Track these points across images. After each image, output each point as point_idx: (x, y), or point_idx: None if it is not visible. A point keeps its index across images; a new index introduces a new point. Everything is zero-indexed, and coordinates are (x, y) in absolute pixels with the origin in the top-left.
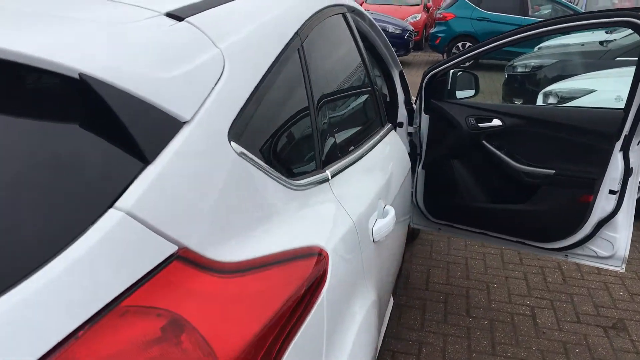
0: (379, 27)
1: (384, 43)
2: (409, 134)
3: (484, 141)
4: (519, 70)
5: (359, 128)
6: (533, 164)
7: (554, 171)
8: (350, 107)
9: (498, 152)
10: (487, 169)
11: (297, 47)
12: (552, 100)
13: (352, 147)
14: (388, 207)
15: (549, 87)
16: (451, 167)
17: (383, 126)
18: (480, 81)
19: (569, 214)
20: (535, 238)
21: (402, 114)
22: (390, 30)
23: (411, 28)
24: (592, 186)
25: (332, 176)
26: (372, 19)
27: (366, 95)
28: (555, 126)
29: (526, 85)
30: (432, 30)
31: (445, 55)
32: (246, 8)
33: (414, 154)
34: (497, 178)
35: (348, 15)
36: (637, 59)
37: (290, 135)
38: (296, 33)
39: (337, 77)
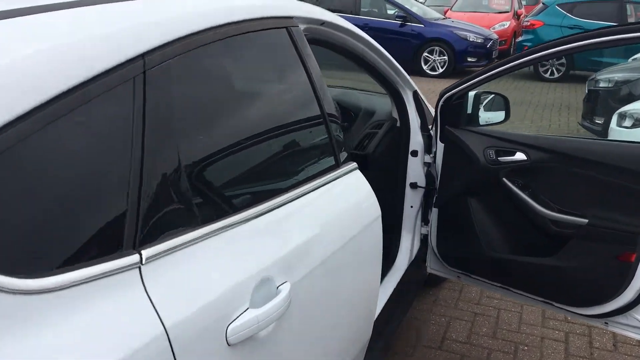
0: (373, 43)
1: (385, 60)
2: (426, 164)
3: (504, 178)
4: (601, 85)
5: (264, 178)
6: (564, 209)
7: (586, 220)
8: (257, 148)
9: (520, 193)
10: (508, 212)
11: (129, 77)
12: (627, 123)
13: (239, 206)
14: (284, 285)
15: (627, 106)
16: (466, 207)
17: (338, 167)
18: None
19: (607, 275)
20: (564, 300)
21: (417, 141)
22: (470, 39)
23: (495, 37)
24: (636, 243)
25: (153, 257)
26: (361, 34)
27: (305, 132)
28: (592, 165)
29: (608, 103)
30: (518, 39)
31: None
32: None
33: (430, 188)
34: (518, 224)
35: (295, 29)
36: None
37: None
38: (139, 56)
39: (244, 111)
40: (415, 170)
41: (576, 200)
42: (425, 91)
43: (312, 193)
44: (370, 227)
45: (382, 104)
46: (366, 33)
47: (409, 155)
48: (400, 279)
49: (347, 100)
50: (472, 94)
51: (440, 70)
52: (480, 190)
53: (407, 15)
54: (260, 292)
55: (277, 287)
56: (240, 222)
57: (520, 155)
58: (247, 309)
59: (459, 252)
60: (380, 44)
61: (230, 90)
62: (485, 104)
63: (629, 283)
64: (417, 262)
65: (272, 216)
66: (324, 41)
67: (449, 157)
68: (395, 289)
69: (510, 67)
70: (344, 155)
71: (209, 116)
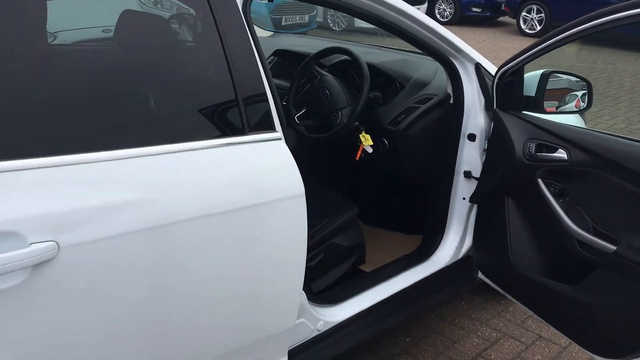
0: (403, 7)
1: (425, 28)
2: (487, 145)
3: (539, 179)
4: None
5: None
6: (598, 227)
7: (614, 248)
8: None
9: (551, 200)
10: (540, 221)
11: None
12: None
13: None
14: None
15: None
16: (502, 208)
17: (244, 133)
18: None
19: (631, 323)
20: (584, 343)
21: (477, 124)
22: None
23: None
24: None
25: None
26: None
27: (194, 88)
28: (636, 176)
29: None
30: None
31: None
32: None
33: None
34: (548, 237)
35: None
36: None
37: None
38: None
39: None
40: (471, 157)
41: (614, 220)
42: None
43: (177, 154)
44: (278, 206)
45: (442, 75)
46: None
47: (465, 139)
48: (433, 277)
49: (394, 68)
50: (537, 73)
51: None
52: (516, 189)
53: None
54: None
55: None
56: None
57: (561, 153)
58: None
59: (490, 260)
60: None
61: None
62: (550, 86)
63: None
64: (467, 264)
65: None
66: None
67: (493, 146)
68: (413, 285)
69: (574, 33)
70: (264, 122)
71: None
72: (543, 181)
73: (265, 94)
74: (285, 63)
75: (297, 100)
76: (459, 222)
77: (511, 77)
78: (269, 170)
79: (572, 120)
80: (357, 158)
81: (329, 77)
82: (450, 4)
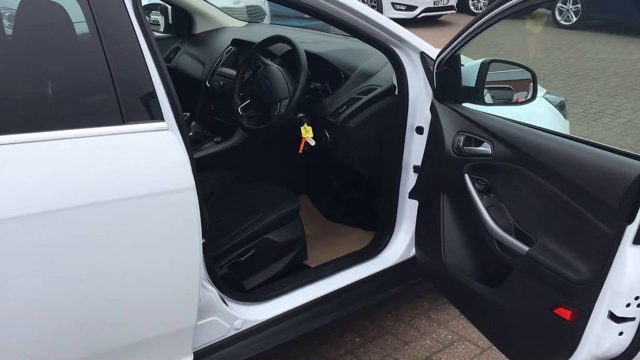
0: None
1: (357, 15)
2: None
3: (466, 174)
4: None
5: None
6: (519, 227)
7: (527, 249)
8: None
9: (475, 196)
10: (466, 219)
11: None
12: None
13: None
14: None
15: None
16: (438, 204)
17: (123, 122)
18: None
19: (539, 331)
20: (505, 350)
21: (424, 116)
22: None
23: None
24: (574, 293)
25: None
26: None
27: (64, 75)
28: (551, 172)
29: None
30: None
31: None
32: None
33: None
34: (473, 236)
35: None
36: None
37: None
38: None
39: None
40: (420, 152)
41: (532, 218)
42: None
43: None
44: (157, 200)
45: (389, 66)
46: None
47: (413, 132)
48: (378, 275)
49: (340, 57)
50: (476, 62)
51: None
52: (449, 185)
53: None
54: None
55: None
56: None
57: (485, 147)
58: None
59: (427, 259)
60: None
61: None
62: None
63: (570, 351)
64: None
65: None
66: None
67: (430, 139)
68: (356, 283)
69: (501, 11)
70: (149, 111)
71: None
72: (470, 177)
73: (149, 79)
74: (242, 53)
75: (244, 91)
76: (410, 219)
77: (446, 66)
78: (149, 163)
79: (546, 117)
80: (300, 151)
81: (273, 67)
82: None
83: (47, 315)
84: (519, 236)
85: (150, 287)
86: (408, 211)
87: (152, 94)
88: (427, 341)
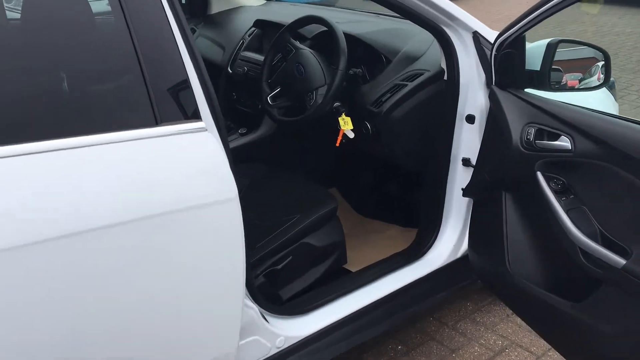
0: None
1: None
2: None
3: (538, 172)
4: None
5: None
6: (607, 234)
7: (624, 262)
8: None
9: (552, 199)
10: (538, 222)
11: None
12: None
13: None
14: None
15: None
16: (499, 204)
17: (156, 124)
18: None
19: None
20: None
21: (476, 104)
22: None
23: None
24: None
25: None
26: None
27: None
28: None
29: None
30: None
31: None
32: None
33: None
34: (548, 242)
35: None
36: None
37: None
38: None
39: None
40: (470, 143)
41: (625, 225)
42: None
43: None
44: (197, 214)
45: (436, 47)
46: None
47: (463, 121)
48: (425, 279)
49: (380, 39)
50: (540, 43)
51: None
52: (515, 183)
53: None
54: None
55: None
56: None
57: (564, 141)
58: None
59: (486, 264)
60: None
61: None
62: (568, 59)
63: None
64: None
65: None
66: None
67: (489, 131)
68: (401, 289)
69: None
70: (185, 111)
71: None
72: (543, 175)
73: (185, 76)
74: (266, 35)
75: (273, 78)
76: (458, 216)
77: (509, 48)
78: (186, 170)
79: (598, 99)
80: (338, 144)
81: (306, 50)
82: None
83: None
84: (610, 245)
85: (190, 312)
86: (455, 207)
87: (189, 90)
88: (476, 348)
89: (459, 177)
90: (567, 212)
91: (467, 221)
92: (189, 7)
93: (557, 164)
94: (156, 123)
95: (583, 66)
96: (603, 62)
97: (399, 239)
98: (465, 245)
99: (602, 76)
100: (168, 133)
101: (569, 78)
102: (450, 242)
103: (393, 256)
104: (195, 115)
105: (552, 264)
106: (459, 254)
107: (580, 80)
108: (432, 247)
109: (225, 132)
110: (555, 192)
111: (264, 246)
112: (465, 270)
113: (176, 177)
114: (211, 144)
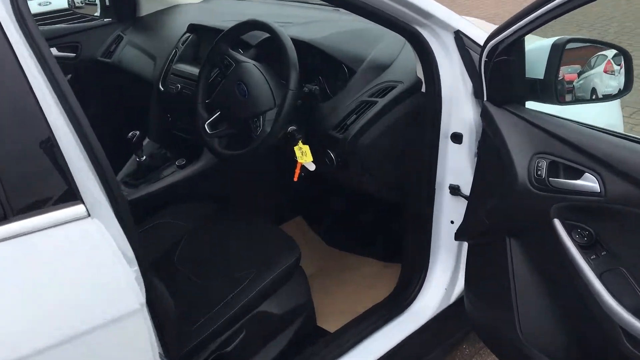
0: None
1: None
2: (478, 155)
3: (556, 220)
4: None
5: None
6: None
7: None
8: None
9: (577, 255)
10: (554, 278)
11: None
12: None
13: None
14: None
15: None
16: (502, 252)
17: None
18: None
19: None
20: None
21: (462, 119)
22: None
23: None
24: None
25: None
26: None
27: None
28: None
29: None
30: None
31: None
32: None
33: None
34: (573, 308)
35: None
36: None
37: None
38: None
39: None
40: (458, 166)
41: None
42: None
43: None
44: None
45: (409, 52)
46: None
47: (448, 141)
48: (414, 336)
49: (339, 45)
50: (546, 43)
51: None
52: (522, 229)
53: None
54: None
55: None
56: None
57: (589, 181)
58: None
59: (488, 322)
60: None
61: None
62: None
63: None
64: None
65: None
66: None
67: (484, 158)
68: (385, 355)
69: None
70: (53, 192)
71: None
72: (562, 223)
73: (48, 133)
74: (203, 43)
75: (210, 99)
76: (448, 254)
77: (505, 55)
78: (52, 287)
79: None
80: (296, 179)
81: (249, 64)
82: None
83: None
84: None
85: None
86: (445, 243)
87: (53, 153)
88: None
89: (447, 208)
90: (599, 276)
91: (460, 259)
92: (115, 10)
93: (581, 210)
94: (5, 217)
95: (580, 57)
96: (620, 59)
97: (377, 277)
98: (458, 287)
99: (614, 69)
100: (22, 232)
101: (565, 72)
102: (441, 286)
103: (375, 308)
104: (70, 196)
105: (578, 336)
106: (453, 299)
107: (579, 74)
108: (420, 293)
109: (127, 213)
110: (581, 247)
111: (208, 322)
112: (463, 317)
113: (32, 301)
114: (96, 237)
